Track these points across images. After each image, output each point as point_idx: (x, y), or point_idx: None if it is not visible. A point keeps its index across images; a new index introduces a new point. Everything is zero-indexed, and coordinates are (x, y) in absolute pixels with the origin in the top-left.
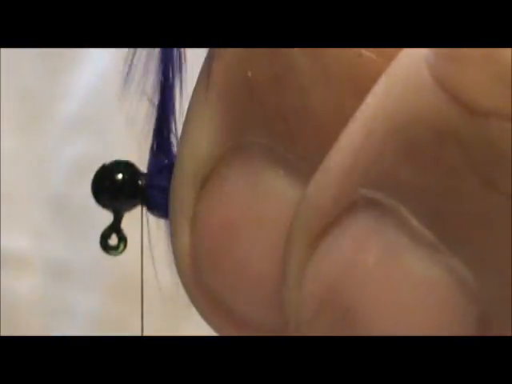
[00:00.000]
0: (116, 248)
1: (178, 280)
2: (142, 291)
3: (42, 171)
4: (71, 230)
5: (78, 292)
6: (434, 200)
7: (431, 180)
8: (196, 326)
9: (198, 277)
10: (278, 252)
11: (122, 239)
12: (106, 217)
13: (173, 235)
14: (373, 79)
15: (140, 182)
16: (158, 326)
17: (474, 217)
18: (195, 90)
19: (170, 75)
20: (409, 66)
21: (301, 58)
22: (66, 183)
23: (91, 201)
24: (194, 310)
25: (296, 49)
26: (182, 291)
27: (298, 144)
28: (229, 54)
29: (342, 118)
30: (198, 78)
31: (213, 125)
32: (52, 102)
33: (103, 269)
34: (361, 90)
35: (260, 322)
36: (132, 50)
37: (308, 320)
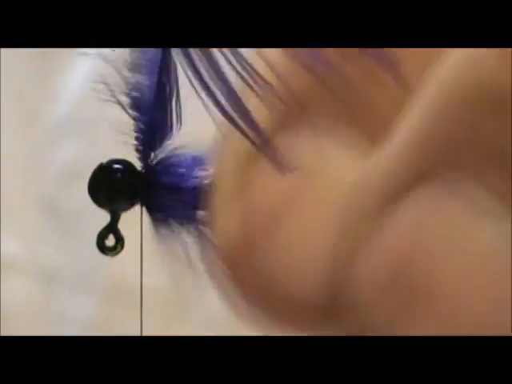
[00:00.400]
0: (113, 249)
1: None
2: (141, 291)
3: (34, 174)
4: (65, 233)
5: (73, 296)
6: (498, 168)
7: (494, 149)
8: (194, 327)
9: (248, 257)
10: (335, 228)
11: (120, 240)
12: (99, 219)
13: (218, 210)
14: None
15: (138, 181)
16: (156, 328)
17: None
18: None
19: (159, 75)
20: None
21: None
22: (59, 186)
23: (84, 203)
24: (191, 311)
25: None
26: (179, 293)
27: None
28: None
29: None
30: None
31: None
32: (43, 104)
33: (98, 272)
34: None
35: (311, 301)
36: (122, 51)
37: (374, 297)
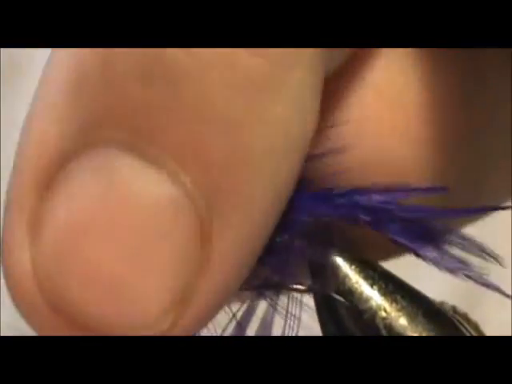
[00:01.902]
0: None
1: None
2: None
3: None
4: None
5: None
6: None
7: None
8: None
9: (39, 284)
10: (132, 251)
11: None
12: None
13: (6, 245)
14: None
15: None
16: None
17: None
18: (41, 81)
19: None
20: None
21: (171, 53)
22: None
23: None
24: None
25: None
26: None
27: (162, 138)
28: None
29: (212, 113)
30: (43, 70)
31: (63, 120)
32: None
33: None
34: (232, 84)
35: (108, 324)
36: None
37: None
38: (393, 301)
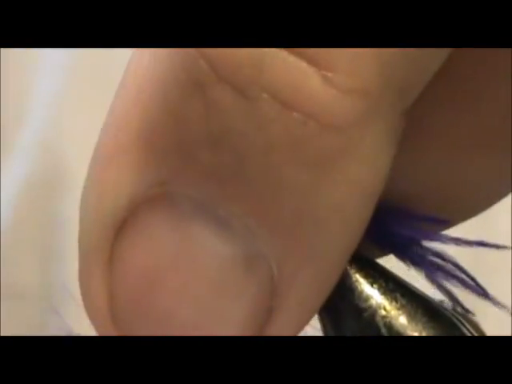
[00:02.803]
0: None
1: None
2: None
3: None
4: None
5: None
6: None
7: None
8: None
9: (115, 327)
10: (205, 304)
11: None
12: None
13: (84, 284)
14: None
15: None
16: None
17: None
18: (113, 120)
19: None
20: None
21: (240, 120)
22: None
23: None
24: None
25: (236, 108)
26: None
27: (231, 202)
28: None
29: (283, 184)
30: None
31: (135, 167)
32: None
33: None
34: (304, 158)
35: None
36: None
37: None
38: (393, 299)
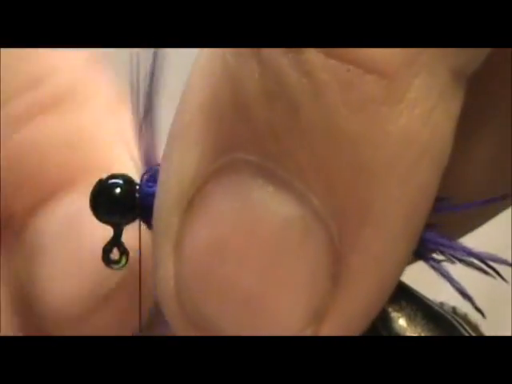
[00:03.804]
0: (118, 262)
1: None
2: (139, 294)
3: None
4: None
5: None
6: None
7: None
8: None
9: (182, 303)
10: (267, 271)
11: (124, 253)
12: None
13: (156, 262)
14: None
15: (137, 195)
16: None
17: None
18: (179, 108)
19: (152, 85)
20: None
21: (290, 74)
22: None
23: None
24: None
25: (286, 62)
26: None
27: (289, 157)
28: (217, 71)
29: (335, 131)
30: (181, 97)
31: (198, 144)
32: None
33: None
34: (351, 102)
35: None
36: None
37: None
38: (392, 301)
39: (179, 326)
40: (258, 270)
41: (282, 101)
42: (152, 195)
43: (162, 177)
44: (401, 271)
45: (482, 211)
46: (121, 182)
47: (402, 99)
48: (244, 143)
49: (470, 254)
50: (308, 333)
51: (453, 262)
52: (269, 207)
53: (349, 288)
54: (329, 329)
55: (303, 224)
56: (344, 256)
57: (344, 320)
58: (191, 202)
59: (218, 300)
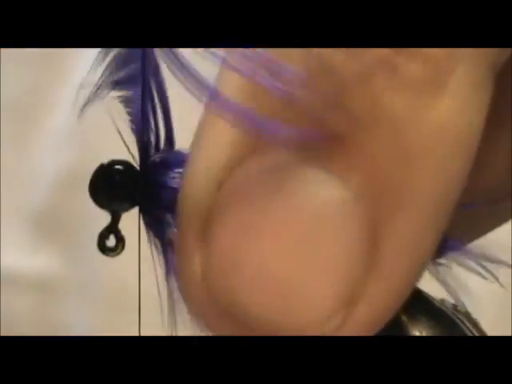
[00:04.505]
0: (114, 249)
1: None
2: (139, 291)
3: (30, 185)
4: (63, 243)
5: (74, 306)
6: None
7: None
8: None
9: (210, 292)
10: (304, 254)
11: (120, 240)
12: (98, 228)
13: (180, 249)
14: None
15: (137, 182)
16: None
17: None
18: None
19: (150, 74)
20: None
21: (335, 56)
22: (55, 195)
23: (83, 212)
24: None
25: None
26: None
27: (329, 138)
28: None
29: (378, 114)
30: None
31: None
32: (38, 114)
33: (99, 280)
34: (396, 86)
35: (274, 325)
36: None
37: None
38: None
39: (208, 317)
40: (290, 254)
41: (327, 80)
42: (153, 183)
43: (192, 158)
44: (427, 263)
45: (493, 213)
46: (122, 168)
47: (445, 86)
48: (282, 122)
49: (469, 255)
50: (338, 318)
51: (452, 266)
52: (307, 189)
53: (380, 276)
54: (358, 315)
55: (343, 207)
56: (378, 242)
57: (373, 308)
58: (222, 185)
59: (251, 287)
